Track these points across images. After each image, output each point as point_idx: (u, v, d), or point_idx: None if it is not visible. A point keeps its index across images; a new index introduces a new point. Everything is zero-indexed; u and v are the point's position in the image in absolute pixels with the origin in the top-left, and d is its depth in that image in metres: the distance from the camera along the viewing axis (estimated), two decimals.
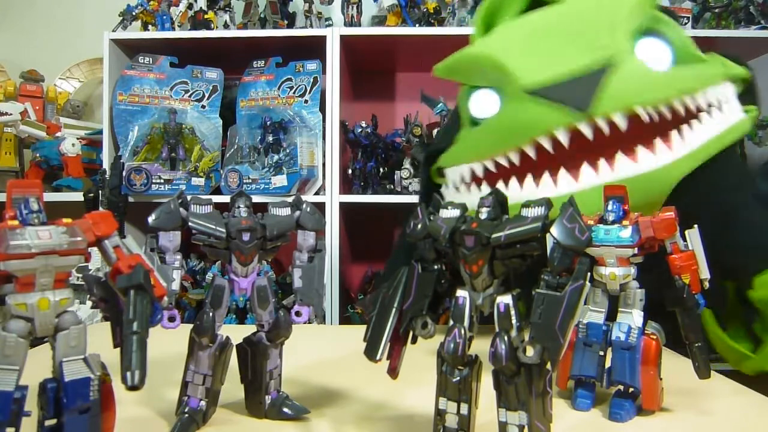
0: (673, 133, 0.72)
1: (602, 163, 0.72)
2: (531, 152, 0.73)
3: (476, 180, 0.83)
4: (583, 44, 0.72)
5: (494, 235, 0.42)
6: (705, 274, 0.58)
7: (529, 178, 0.75)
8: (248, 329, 0.58)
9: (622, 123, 0.68)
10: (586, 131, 0.69)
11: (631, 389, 0.59)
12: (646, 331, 0.59)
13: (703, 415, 0.60)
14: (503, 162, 0.77)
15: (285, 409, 0.56)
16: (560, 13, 0.78)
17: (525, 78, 0.71)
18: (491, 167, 0.78)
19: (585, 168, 0.72)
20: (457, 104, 0.91)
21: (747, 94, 0.83)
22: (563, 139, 0.70)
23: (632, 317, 0.59)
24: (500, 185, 0.77)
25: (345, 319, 1.50)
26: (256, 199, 0.57)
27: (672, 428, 0.57)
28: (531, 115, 0.71)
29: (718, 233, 0.70)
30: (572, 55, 0.71)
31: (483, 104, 0.82)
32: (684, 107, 0.73)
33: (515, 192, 0.75)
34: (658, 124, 0.72)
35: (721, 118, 0.76)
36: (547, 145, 0.71)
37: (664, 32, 0.77)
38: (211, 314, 0.53)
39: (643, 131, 0.72)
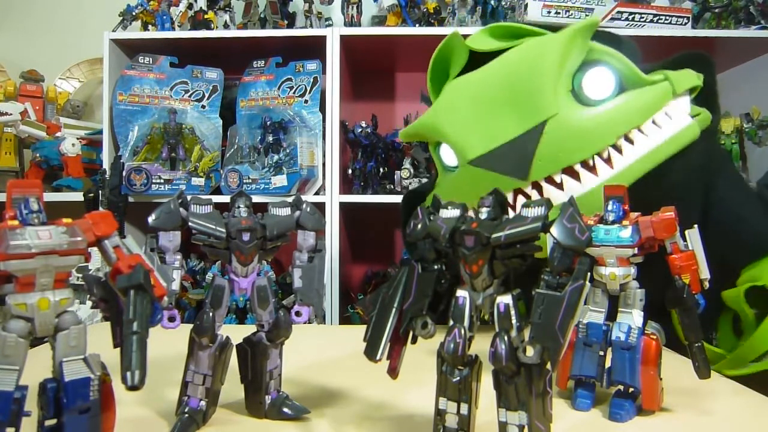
0: (612, 152, 0.75)
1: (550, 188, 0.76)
2: None
3: None
4: (516, 108, 0.76)
5: (494, 235, 0.42)
6: (705, 274, 0.59)
7: None
8: (248, 329, 0.58)
9: (561, 179, 0.74)
10: (532, 192, 0.75)
11: (631, 389, 0.59)
12: (646, 331, 0.59)
13: (703, 415, 0.60)
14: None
15: (285, 409, 0.56)
16: (495, 77, 0.82)
17: (468, 151, 0.78)
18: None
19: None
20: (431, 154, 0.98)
21: (706, 96, 0.84)
22: (511, 199, 0.76)
23: (632, 317, 0.59)
24: None
25: (345, 319, 1.50)
26: (256, 199, 0.57)
27: (672, 428, 0.57)
28: (479, 182, 0.76)
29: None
30: (508, 121, 0.76)
31: (450, 155, 0.88)
32: (627, 140, 0.76)
33: None
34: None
35: (661, 132, 0.77)
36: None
37: (605, 60, 0.79)
38: (211, 314, 0.53)
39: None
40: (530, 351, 0.41)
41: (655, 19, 1.53)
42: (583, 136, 0.74)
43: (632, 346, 0.58)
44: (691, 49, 0.87)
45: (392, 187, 1.60)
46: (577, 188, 0.74)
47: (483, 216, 0.44)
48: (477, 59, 0.87)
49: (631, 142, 0.76)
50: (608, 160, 0.75)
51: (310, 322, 0.58)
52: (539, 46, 0.80)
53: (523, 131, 0.74)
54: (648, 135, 0.76)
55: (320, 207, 1.47)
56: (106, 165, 1.54)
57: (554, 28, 0.84)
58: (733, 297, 0.84)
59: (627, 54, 0.81)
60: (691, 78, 0.83)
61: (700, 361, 0.58)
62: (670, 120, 0.78)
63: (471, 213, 0.46)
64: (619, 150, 0.75)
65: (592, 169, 0.74)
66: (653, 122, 0.77)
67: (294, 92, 1.59)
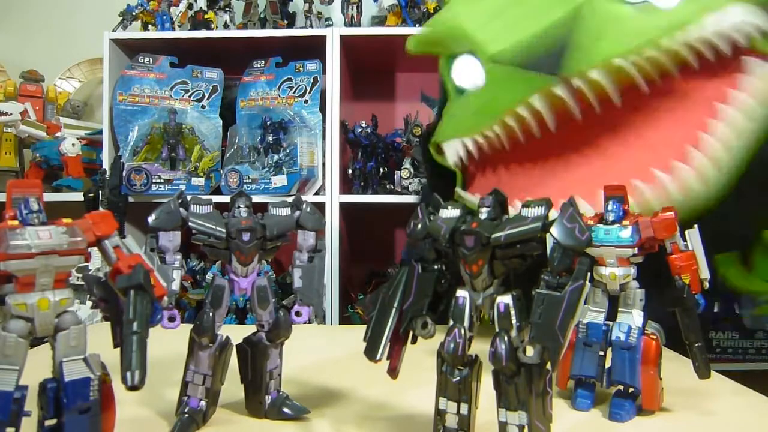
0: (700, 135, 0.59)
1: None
2: (512, 123, 0.66)
3: (472, 159, 0.77)
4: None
5: (494, 235, 0.42)
6: (705, 274, 0.58)
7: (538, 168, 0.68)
8: (248, 329, 0.57)
9: (605, 81, 0.60)
10: (565, 95, 0.61)
11: (631, 389, 0.59)
12: (646, 331, 0.59)
13: (703, 415, 0.60)
14: (491, 135, 0.70)
15: (285, 409, 0.56)
16: None
17: (491, 46, 0.65)
18: (482, 143, 0.72)
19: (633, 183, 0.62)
20: (440, 76, 0.84)
21: None
22: (539, 105, 0.62)
23: (632, 317, 0.59)
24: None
25: (345, 319, 1.50)
26: (256, 199, 0.57)
27: (672, 428, 0.57)
28: (503, 86, 0.65)
29: None
30: (539, 12, 0.64)
31: (465, 71, 0.75)
32: (690, 50, 0.60)
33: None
34: (656, 83, 0.61)
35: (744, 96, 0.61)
36: (525, 114, 0.64)
37: None
38: (211, 314, 0.52)
39: (639, 100, 0.61)
40: (530, 351, 0.41)
41: None
42: (624, 25, 0.61)
43: (632, 346, 0.58)
44: None
45: (392, 187, 1.60)
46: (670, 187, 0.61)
47: (483, 216, 0.44)
48: None
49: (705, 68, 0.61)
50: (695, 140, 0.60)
51: (310, 322, 0.58)
52: None
53: (554, 19, 0.62)
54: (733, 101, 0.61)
55: (320, 207, 1.47)
56: (106, 165, 1.54)
57: None
58: None
59: None
60: None
61: (700, 362, 0.58)
62: (752, 78, 0.61)
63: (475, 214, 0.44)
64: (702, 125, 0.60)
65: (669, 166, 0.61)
66: (712, 47, 0.62)
67: (294, 92, 1.59)
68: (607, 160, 0.65)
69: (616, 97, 0.61)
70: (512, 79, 0.63)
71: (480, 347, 0.45)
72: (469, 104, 0.75)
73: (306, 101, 1.57)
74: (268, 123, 1.53)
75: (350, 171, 1.59)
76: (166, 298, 0.49)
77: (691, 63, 0.62)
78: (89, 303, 0.42)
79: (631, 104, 0.63)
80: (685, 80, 0.64)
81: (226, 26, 1.67)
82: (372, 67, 1.82)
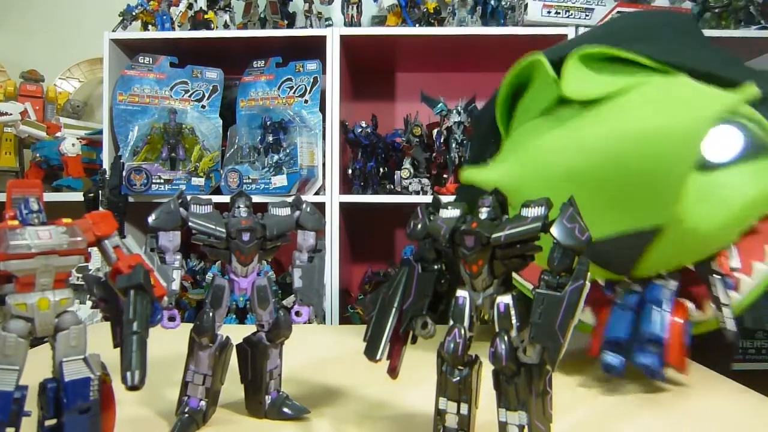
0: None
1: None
2: None
3: None
4: (627, 198, 0.59)
5: (494, 235, 0.42)
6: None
7: None
8: (248, 329, 0.57)
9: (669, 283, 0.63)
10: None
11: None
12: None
13: (702, 415, 0.60)
14: None
15: (285, 409, 0.56)
16: (604, 151, 0.59)
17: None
18: None
19: None
20: None
21: None
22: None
23: (667, 282, 0.61)
24: None
25: (345, 319, 1.50)
26: (256, 199, 0.57)
27: (672, 428, 0.57)
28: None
29: None
30: (614, 212, 0.60)
31: None
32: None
33: None
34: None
35: None
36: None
37: (734, 118, 0.63)
38: (211, 314, 0.52)
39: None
40: (530, 351, 0.41)
41: None
42: (708, 239, 0.61)
43: (662, 300, 0.60)
44: None
45: (392, 187, 1.60)
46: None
47: (483, 216, 0.44)
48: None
49: None
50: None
51: (310, 322, 0.58)
52: (674, 119, 0.57)
53: (629, 231, 0.59)
54: None
55: (320, 207, 1.47)
56: (106, 165, 1.54)
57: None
58: None
59: (715, 53, 0.67)
60: None
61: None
62: None
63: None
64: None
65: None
66: None
67: (294, 92, 1.59)
68: None
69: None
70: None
71: (480, 347, 0.45)
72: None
73: (306, 101, 1.57)
74: (268, 123, 1.53)
75: (350, 171, 1.59)
76: (166, 298, 0.49)
77: None
78: (89, 303, 0.42)
79: None
80: None
81: (226, 26, 1.67)
82: (372, 67, 1.82)
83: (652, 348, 0.59)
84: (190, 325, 0.53)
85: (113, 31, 1.62)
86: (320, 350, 0.85)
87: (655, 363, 0.58)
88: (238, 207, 0.54)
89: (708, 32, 1.53)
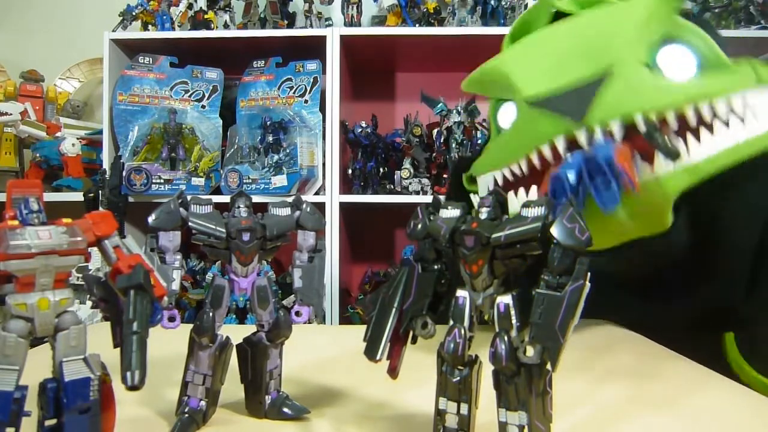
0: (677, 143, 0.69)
1: None
2: (536, 161, 0.73)
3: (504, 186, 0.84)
4: (586, 56, 0.72)
5: (494, 235, 0.42)
6: None
7: (533, 189, 0.75)
8: (248, 329, 0.57)
9: (617, 131, 0.67)
10: (582, 139, 0.69)
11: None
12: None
13: (702, 415, 0.60)
14: (516, 171, 0.77)
15: (285, 409, 0.56)
16: (571, 27, 0.77)
17: (527, 89, 0.73)
18: (508, 176, 0.80)
19: None
20: (488, 117, 0.93)
21: None
22: (561, 147, 0.70)
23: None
24: (510, 195, 0.76)
25: (345, 319, 1.50)
26: (256, 199, 0.57)
27: (671, 428, 0.57)
28: (532, 125, 0.72)
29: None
30: (575, 66, 0.72)
31: (507, 116, 0.84)
32: (696, 114, 0.69)
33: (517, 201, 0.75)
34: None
35: (741, 128, 0.70)
36: (547, 153, 0.71)
37: (687, 39, 0.73)
38: (211, 314, 0.52)
39: (646, 143, 0.69)
40: (530, 351, 0.41)
41: None
42: (652, 88, 0.68)
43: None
44: None
45: (392, 187, 1.60)
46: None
47: (483, 216, 0.44)
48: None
49: (710, 129, 0.69)
50: (684, 138, 0.68)
51: (310, 322, 0.58)
52: (622, 7, 0.74)
53: (590, 73, 0.70)
54: (729, 126, 0.69)
55: (320, 207, 1.47)
56: (106, 165, 1.54)
57: None
58: None
59: (714, 39, 0.75)
60: None
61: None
62: (754, 118, 0.71)
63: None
64: (695, 133, 0.68)
65: (649, 158, 0.68)
66: (732, 110, 0.70)
67: (294, 92, 1.60)
68: None
69: (620, 137, 0.68)
70: (542, 120, 0.71)
71: (480, 347, 0.45)
72: (503, 141, 0.83)
73: (306, 101, 1.58)
74: (268, 123, 1.53)
75: (350, 171, 1.59)
76: (166, 298, 0.49)
77: (692, 123, 0.69)
78: (89, 303, 0.42)
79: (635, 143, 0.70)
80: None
81: (226, 26, 1.67)
82: (372, 67, 1.82)
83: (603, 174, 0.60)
84: (190, 325, 0.53)
85: (113, 31, 1.62)
86: (320, 350, 0.85)
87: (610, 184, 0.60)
88: (238, 207, 0.54)
89: None
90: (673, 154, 0.61)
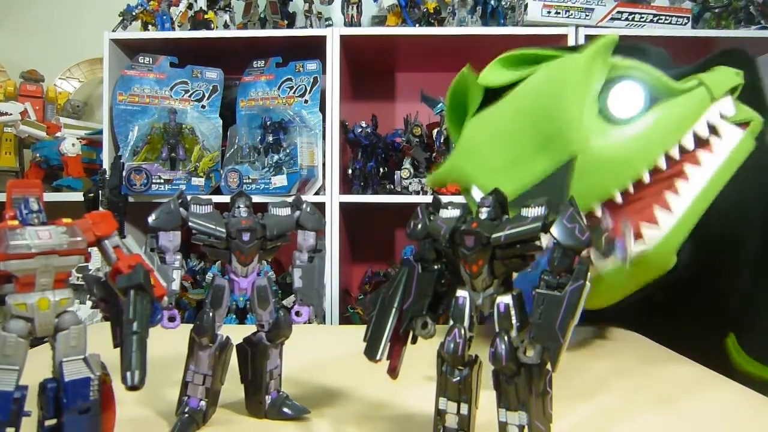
0: (656, 209, 0.68)
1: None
2: None
3: None
4: (541, 144, 0.71)
5: (494, 235, 0.42)
6: None
7: None
8: (248, 329, 0.57)
9: (599, 212, 0.67)
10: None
11: None
12: None
13: (703, 415, 0.60)
14: None
15: (285, 409, 0.56)
16: (515, 111, 0.75)
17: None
18: None
19: None
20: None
21: (749, 96, 0.76)
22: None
23: None
24: None
25: (345, 319, 1.50)
26: (256, 199, 0.57)
27: (671, 427, 0.57)
28: None
29: None
30: (535, 159, 0.71)
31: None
32: (667, 161, 0.69)
33: None
34: (641, 192, 0.70)
35: (712, 156, 0.70)
36: None
37: (630, 74, 0.73)
38: (211, 314, 0.52)
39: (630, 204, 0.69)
40: (530, 351, 0.41)
41: (655, 19, 1.53)
42: (617, 165, 0.68)
43: None
44: (727, 48, 0.79)
45: (392, 187, 1.60)
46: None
47: (483, 216, 0.44)
48: (496, 93, 0.80)
49: (686, 178, 0.69)
50: (666, 205, 0.68)
51: (310, 322, 0.58)
52: (558, 71, 0.74)
53: (552, 170, 0.69)
54: (702, 164, 0.69)
55: (320, 207, 1.47)
56: (106, 165, 1.54)
57: (571, 49, 0.79)
58: None
59: (654, 62, 0.75)
60: (728, 76, 0.74)
61: None
62: (720, 140, 0.71)
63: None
64: (674, 191, 0.68)
65: (651, 219, 0.68)
66: (699, 139, 0.70)
67: (294, 92, 1.60)
68: None
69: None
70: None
71: (480, 347, 0.45)
72: None
73: (306, 101, 1.58)
74: (268, 123, 1.53)
75: (350, 171, 1.59)
76: (166, 298, 0.49)
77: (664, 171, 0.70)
78: (89, 303, 0.42)
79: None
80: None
81: (226, 26, 1.67)
82: (372, 67, 1.82)
83: None
84: (190, 325, 0.53)
85: (113, 31, 1.62)
86: (320, 350, 0.85)
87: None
88: (238, 207, 0.54)
89: (708, 32, 1.54)
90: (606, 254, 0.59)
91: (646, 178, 0.68)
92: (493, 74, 0.80)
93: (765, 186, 0.76)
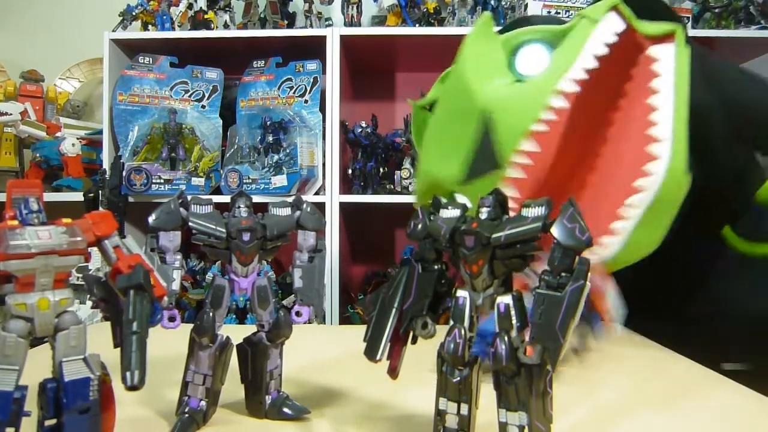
0: (648, 147, 0.70)
1: None
2: None
3: None
4: (465, 120, 0.78)
5: (494, 235, 0.42)
6: None
7: None
8: (248, 329, 0.57)
9: (535, 147, 0.71)
10: (518, 174, 0.73)
11: None
12: None
13: (702, 415, 0.60)
14: None
15: (285, 409, 0.56)
16: (442, 107, 0.86)
17: (453, 179, 0.79)
18: None
19: None
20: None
21: (652, 12, 0.76)
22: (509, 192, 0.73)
23: None
24: None
25: (345, 319, 1.50)
26: (256, 199, 0.57)
27: (671, 427, 0.57)
28: (475, 197, 0.76)
29: None
30: (463, 134, 0.78)
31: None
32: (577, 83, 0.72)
33: None
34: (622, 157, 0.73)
35: (662, 78, 0.72)
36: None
37: (528, 39, 0.80)
38: (211, 314, 0.52)
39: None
40: (530, 351, 0.41)
41: None
42: (526, 100, 0.73)
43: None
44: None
45: (392, 187, 1.60)
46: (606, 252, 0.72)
47: (483, 216, 0.44)
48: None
49: (655, 108, 0.70)
50: (653, 140, 0.70)
51: (310, 322, 0.58)
52: (457, 65, 0.85)
53: (480, 134, 0.76)
54: (659, 89, 0.71)
55: (320, 207, 1.47)
56: (106, 165, 1.54)
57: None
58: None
59: (542, 23, 0.82)
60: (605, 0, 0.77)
61: None
62: (658, 61, 0.72)
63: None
64: (653, 123, 0.71)
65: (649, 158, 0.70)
66: (642, 71, 0.73)
67: (294, 92, 1.60)
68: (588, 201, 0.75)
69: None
70: (479, 186, 0.76)
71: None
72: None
73: (306, 101, 1.57)
74: (268, 123, 1.53)
75: (350, 171, 1.59)
76: (166, 298, 0.49)
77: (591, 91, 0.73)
78: (89, 303, 0.42)
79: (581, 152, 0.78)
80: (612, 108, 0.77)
81: (226, 26, 1.67)
82: (372, 67, 1.82)
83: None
84: (190, 325, 0.53)
85: (113, 31, 1.62)
86: (320, 350, 0.85)
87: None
88: (239, 207, 0.54)
89: (708, 32, 1.54)
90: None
91: (558, 103, 0.71)
92: (429, 94, 0.96)
93: (716, 90, 0.80)
